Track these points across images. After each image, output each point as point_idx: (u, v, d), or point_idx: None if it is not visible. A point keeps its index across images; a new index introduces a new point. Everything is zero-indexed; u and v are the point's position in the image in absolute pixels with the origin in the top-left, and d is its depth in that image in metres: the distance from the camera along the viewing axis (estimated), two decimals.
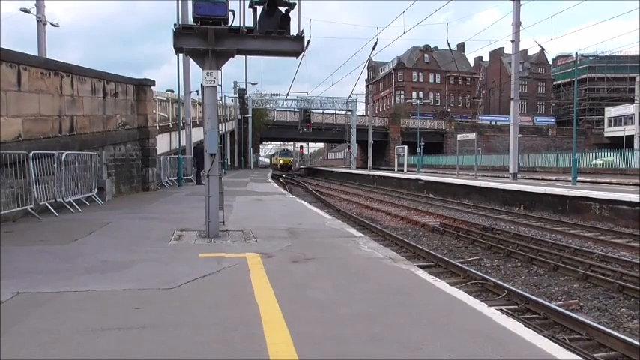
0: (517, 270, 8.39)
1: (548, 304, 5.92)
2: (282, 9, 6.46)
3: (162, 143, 19.65)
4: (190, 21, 6.42)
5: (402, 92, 79.13)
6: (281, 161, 67.27)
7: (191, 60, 6.92)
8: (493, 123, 70.38)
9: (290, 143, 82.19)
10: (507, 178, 24.40)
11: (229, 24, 6.30)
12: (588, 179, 24.34)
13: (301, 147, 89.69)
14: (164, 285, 4.33)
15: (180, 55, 15.24)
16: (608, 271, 7.62)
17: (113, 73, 13.57)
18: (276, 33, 6.52)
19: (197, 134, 23.70)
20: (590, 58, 66.57)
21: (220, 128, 21.98)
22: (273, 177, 33.27)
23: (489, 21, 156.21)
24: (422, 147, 46.43)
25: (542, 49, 34.92)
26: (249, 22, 6.50)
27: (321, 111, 56.50)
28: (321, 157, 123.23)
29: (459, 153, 35.20)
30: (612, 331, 4.99)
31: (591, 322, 5.24)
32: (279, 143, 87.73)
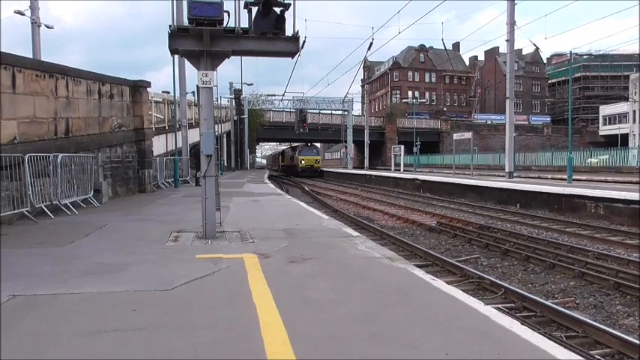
0: (514, 268, 8.41)
1: (545, 302, 5.95)
2: (277, 9, 6.46)
3: (159, 145, 19.61)
4: (186, 22, 6.41)
5: (398, 92, 79.18)
6: (303, 161, 47.33)
7: (187, 61, 6.92)
8: (489, 122, 70.56)
9: (286, 144, 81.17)
10: (503, 176, 24.43)
11: (224, 25, 6.30)
12: (584, 177, 24.43)
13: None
14: (161, 287, 4.32)
15: (176, 57, 15.22)
16: (604, 269, 7.65)
17: (111, 75, 13.55)
18: (271, 33, 6.53)
19: (193, 135, 23.70)
20: (585, 56, 66.98)
21: (216, 129, 21.98)
22: (273, 179, 33.14)
23: (487, 21, 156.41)
24: (418, 146, 46.51)
25: (537, 48, 35.10)
26: (245, 23, 6.51)
27: (318, 111, 56.45)
28: None
29: (455, 152, 35.26)
30: (609, 329, 5.01)
31: (588, 320, 5.26)
32: (275, 144, 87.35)
